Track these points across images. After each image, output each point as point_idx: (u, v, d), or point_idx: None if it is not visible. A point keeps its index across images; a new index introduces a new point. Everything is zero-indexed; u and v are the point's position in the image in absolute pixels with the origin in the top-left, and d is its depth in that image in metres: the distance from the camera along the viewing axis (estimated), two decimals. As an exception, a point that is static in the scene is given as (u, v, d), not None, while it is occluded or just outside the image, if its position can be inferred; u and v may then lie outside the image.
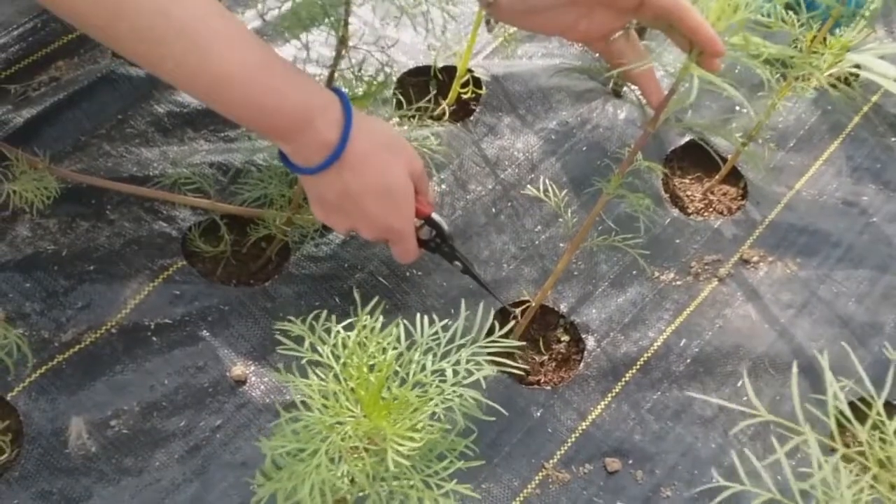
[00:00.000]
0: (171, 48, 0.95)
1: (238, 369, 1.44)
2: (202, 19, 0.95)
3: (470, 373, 0.72)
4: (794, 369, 0.68)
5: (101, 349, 1.43)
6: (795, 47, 1.50)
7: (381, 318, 0.77)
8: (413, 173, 1.18)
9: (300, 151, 1.11)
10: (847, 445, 0.78)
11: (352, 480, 0.68)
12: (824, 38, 1.46)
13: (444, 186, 1.67)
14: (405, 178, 1.17)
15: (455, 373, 0.72)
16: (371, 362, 0.71)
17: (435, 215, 1.28)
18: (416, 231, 1.27)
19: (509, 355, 0.90)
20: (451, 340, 0.76)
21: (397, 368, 0.73)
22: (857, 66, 1.84)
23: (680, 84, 1.08)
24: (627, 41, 1.12)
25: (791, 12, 1.44)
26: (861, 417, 0.76)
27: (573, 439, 1.45)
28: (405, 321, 0.77)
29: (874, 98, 1.91)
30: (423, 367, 0.72)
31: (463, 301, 1.55)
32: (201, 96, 1.03)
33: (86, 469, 1.33)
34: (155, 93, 1.69)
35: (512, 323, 1.15)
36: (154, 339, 1.45)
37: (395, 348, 0.73)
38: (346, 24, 1.15)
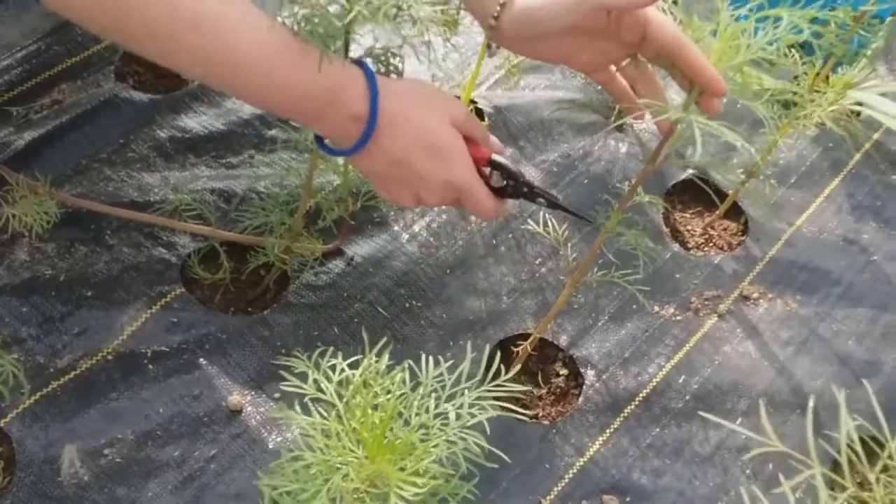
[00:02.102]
0: (184, 41, 0.94)
1: (234, 399, 1.42)
2: (212, 8, 0.94)
3: (473, 415, 0.71)
4: (811, 404, 0.67)
5: (96, 376, 1.41)
6: (798, 85, 1.50)
7: (385, 357, 0.76)
8: (456, 121, 1.09)
9: (334, 131, 1.07)
10: (844, 489, 0.77)
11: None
12: (827, 77, 1.46)
13: (444, 217, 1.67)
14: (447, 129, 1.09)
15: (458, 416, 0.71)
16: (375, 402, 0.70)
17: (496, 157, 1.14)
18: (486, 181, 1.14)
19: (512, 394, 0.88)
20: (457, 382, 0.75)
21: (401, 409, 0.72)
22: (859, 104, 1.85)
23: (679, 122, 1.07)
24: (637, 68, 1.11)
25: (794, 50, 1.45)
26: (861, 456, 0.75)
27: (571, 475, 1.44)
28: (410, 362, 0.76)
29: (875, 136, 1.92)
30: (427, 410, 0.71)
31: (462, 334, 1.56)
32: (222, 86, 1.01)
33: (78, 498, 1.31)
34: (157, 117, 1.69)
35: (518, 367, 1.12)
36: (150, 366, 1.44)
37: (399, 389, 0.72)
38: (347, 53, 1.14)
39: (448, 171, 1.09)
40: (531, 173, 1.76)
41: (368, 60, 1.09)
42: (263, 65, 0.97)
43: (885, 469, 0.76)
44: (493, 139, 1.17)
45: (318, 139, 1.11)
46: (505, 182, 1.15)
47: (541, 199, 1.18)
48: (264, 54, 0.97)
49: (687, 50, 1.00)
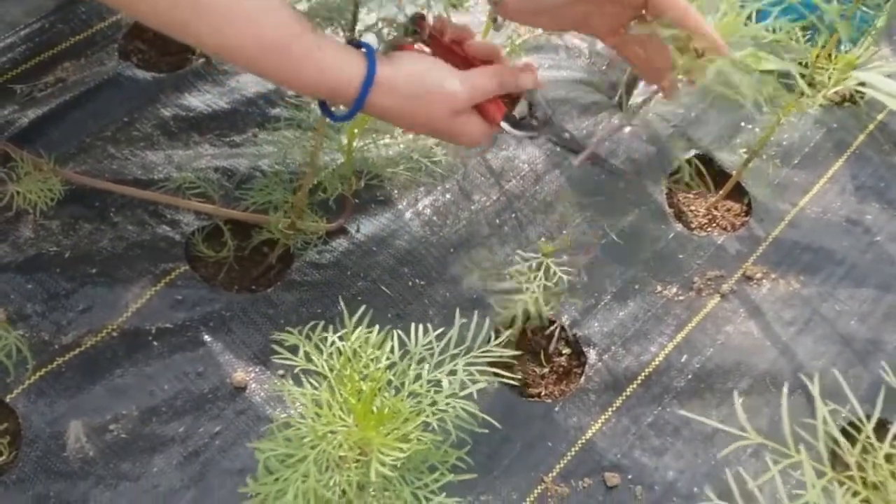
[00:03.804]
0: (192, 28, 0.95)
1: (238, 376, 1.43)
2: None
3: (465, 384, 0.71)
4: (785, 390, 0.68)
5: (101, 353, 1.43)
6: (801, 64, 1.50)
7: (375, 328, 0.76)
8: (456, 105, 1.07)
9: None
10: (846, 466, 0.78)
11: (343, 491, 0.67)
12: (829, 55, 1.45)
13: (448, 196, 1.67)
14: (447, 119, 1.08)
15: (450, 383, 0.71)
16: (364, 372, 0.71)
17: (507, 122, 1.11)
18: (505, 110, 1.11)
19: (508, 366, 0.88)
20: (446, 350, 0.76)
21: (391, 378, 0.72)
22: (863, 84, 1.84)
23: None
24: (645, 31, 1.11)
25: (798, 29, 1.44)
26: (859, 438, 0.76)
27: (573, 453, 1.44)
28: (399, 331, 0.76)
29: (880, 116, 1.91)
30: (419, 377, 0.72)
31: (464, 313, 1.56)
32: (229, 63, 1.06)
33: (83, 473, 1.32)
34: (161, 96, 1.70)
35: (507, 333, 1.12)
36: (155, 343, 1.45)
37: (387, 359, 0.72)
38: (354, 26, 1.15)
39: (457, 141, 1.12)
40: (535, 153, 1.75)
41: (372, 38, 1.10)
42: (262, 62, 0.99)
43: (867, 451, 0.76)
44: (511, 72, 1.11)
45: (323, 106, 1.12)
46: (525, 115, 1.12)
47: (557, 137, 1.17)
48: (263, 53, 0.98)
49: (686, 10, 1.00)
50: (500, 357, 0.75)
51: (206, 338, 1.47)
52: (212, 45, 0.97)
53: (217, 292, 1.52)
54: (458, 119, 1.09)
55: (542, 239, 1.66)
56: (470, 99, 1.08)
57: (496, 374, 0.76)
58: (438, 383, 0.72)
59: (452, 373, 0.72)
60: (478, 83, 1.07)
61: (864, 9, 1.31)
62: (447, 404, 0.70)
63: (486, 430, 0.79)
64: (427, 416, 0.68)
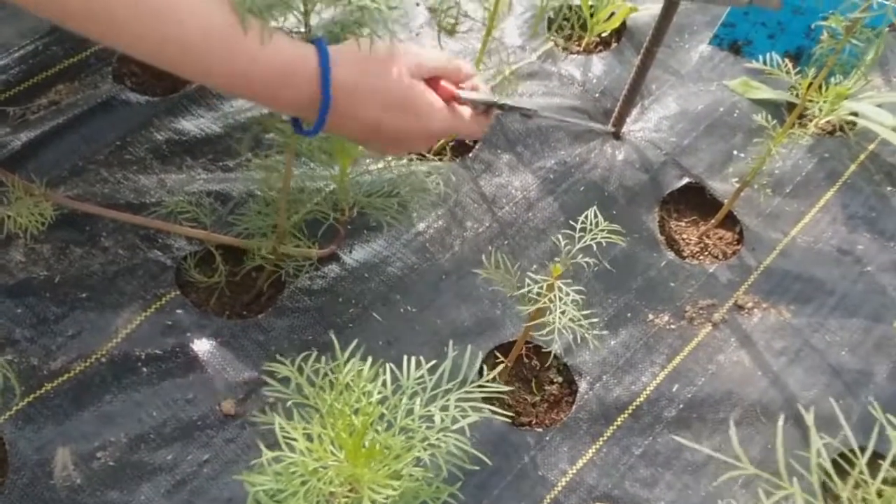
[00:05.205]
0: (129, 21, 0.89)
1: (228, 403, 1.42)
2: None
3: (457, 419, 0.71)
4: (780, 422, 0.67)
5: (90, 378, 1.42)
6: (794, 94, 1.51)
7: (368, 360, 0.76)
8: (419, 71, 1.07)
9: (295, 111, 1.06)
10: (836, 498, 0.78)
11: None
12: (820, 87, 1.46)
13: (441, 223, 1.67)
14: (408, 84, 1.05)
15: (442, 419, 0.71)
16: (356, 406, 0.70)
17: (463, 94, 1.12)
18: (463, 103, 1.14)
19: (499, 395, 0.88)
20: (439, 384, 0.75)
21: (384, 412, 0.71)
22: (855, 114, 1.85)
23: None
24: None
25: (788, 60, 1.45)
26: (850, 470, 0.75)
27: (563, 483, 1.44)
28: (392, 365, 0.75)
29: (871, 146, 1.92)
30: (411, 412, 0.71)
31: (456, 341, 1.56)
32: (168, 67, 0.97)
33: (70, 501, 1.31)
34: (155, 120, 1.70)
35: (500, 368, 1.12)
36: (144, 369, 1.44)
37: (380, 392, 0.71)
38: (308, 28, 1.14)
39: (426, 126, 1.09)
40: (528, 179, 1.76)
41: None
42: (211, 48, 0.94)
43: (857, 485, 0.76)
44: (464, 64, 1.14)
45: (295, 121, 1.10)
46: (484, 103, 1.15)
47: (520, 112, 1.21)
48: (211, 36, 0.94)
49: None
50: (494, 393, 0.74)
51: (196, 364, 1.46)
52: (153, 37, 0.91)
53: (208, 318, 1.51)
54: (417, 85, 1.07)
55: (535, 266, 1.66)
56: (429, 58, 1.08)
57: (492, 412, 0.76)
58: (430, 418, 0.71)
59: (444, 408, 0.72)
60: (422, 51, 1.07)
61: (854, 42, 1.31)
62: (438, 439, 0.69)
63: (478, 465, 0.78)
64: (419, 452, 0.67)
